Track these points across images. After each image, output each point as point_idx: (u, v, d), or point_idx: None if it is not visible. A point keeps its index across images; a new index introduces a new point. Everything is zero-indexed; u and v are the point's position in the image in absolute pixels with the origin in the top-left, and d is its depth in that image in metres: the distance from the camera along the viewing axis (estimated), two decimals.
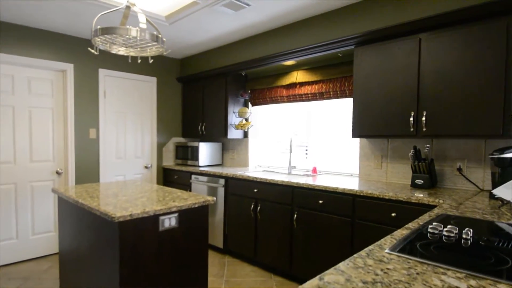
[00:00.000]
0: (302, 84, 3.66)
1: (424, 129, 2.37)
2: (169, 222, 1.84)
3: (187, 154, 4.46)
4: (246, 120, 4.23)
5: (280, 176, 3.40)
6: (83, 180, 3.88)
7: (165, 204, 1.86)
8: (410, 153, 2.46)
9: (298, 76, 3.68)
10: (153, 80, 4.54)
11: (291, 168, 3.61)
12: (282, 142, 4.04)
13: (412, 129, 2.42)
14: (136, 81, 4.38)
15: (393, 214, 2.21)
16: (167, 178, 4.55)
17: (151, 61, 2.43)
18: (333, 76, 3.35)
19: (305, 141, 3.80)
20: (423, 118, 2.35)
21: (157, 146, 4.60)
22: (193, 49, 4.36)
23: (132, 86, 4.34)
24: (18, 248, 3.47)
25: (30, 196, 3.56)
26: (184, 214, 1.93)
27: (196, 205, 1.96)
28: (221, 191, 3.63)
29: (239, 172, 3.60)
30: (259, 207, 3.17)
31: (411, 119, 2.42)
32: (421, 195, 2.14)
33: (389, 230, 2.22)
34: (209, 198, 2.06)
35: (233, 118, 4.12)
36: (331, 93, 3.38)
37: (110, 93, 4.13)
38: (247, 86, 4.25)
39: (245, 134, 4.29)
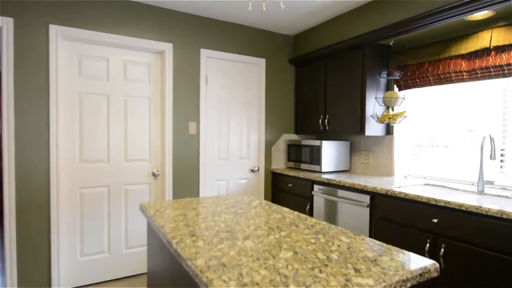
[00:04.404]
0: (501, 49, 2.24)
1: None
2: None
3: (301, 155, 3.43)
4: (392, 109, 2.96)
5: (467, 198, 2.06)
6: (181, 184, 3.18)
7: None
8: None
9: (493, 38, 2.27)
10: (261, 62, 3.62)
11: (483, 184, 2.23)
12: (452, 143, 2.66)
13: None
14: (241, 64, 3.52)
15: None
16: (278, 185, 3.59)
17: (283, 6, 1.43)
18: None
19: (499, 141, 2.36)
20: None
21: (265, 144, 3.68)
22: (310, 20, 3.25)
23: (237, 70, 3.49)
24: (110, 264, 2.91)
25: (124, 201, 2.98)
26: None
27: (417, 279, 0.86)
28: (363, 213, 2.47)
29: (393, 186, 2.38)
30: (442, 250, 1.91)
31: None
32: None
33: None
34: (429, 265, 0.94)
35: (375, 107, 2.91)
36: None
37: (213, 79, 3.35)
38: (393, 62, 2.98)
39: (388, 130, 3.03)
